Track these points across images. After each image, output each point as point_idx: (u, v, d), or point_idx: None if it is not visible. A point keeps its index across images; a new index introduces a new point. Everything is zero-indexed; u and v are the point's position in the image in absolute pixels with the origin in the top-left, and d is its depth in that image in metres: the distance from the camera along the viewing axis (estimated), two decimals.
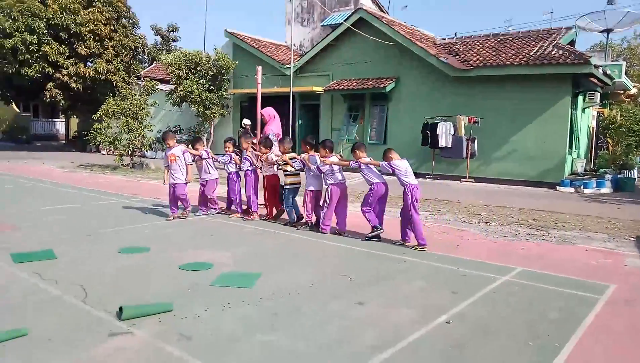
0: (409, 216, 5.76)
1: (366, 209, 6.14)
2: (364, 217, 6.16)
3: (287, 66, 18.02)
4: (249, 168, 7.49)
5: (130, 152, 14.35)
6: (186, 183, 7.23)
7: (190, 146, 7.70)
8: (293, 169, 6.95)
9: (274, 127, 8.47)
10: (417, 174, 14.80)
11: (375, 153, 16.11)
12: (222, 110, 19.65)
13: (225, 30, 20.46)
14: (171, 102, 19.55)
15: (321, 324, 3.46)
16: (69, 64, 22.45)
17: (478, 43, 15.56)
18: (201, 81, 18.79)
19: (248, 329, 3.33)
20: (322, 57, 17.96)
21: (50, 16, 21.21)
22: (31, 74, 21.82)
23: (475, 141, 13.86)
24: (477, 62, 14.01)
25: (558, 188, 12.55)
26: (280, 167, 7.14)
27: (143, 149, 13.59)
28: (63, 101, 23.70)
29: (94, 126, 14.42)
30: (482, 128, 13.74)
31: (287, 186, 6.93)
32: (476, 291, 4.19)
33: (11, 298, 3.80)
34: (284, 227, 6.84)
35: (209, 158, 7.53)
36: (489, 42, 15.33)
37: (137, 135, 13.72)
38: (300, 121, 18.96)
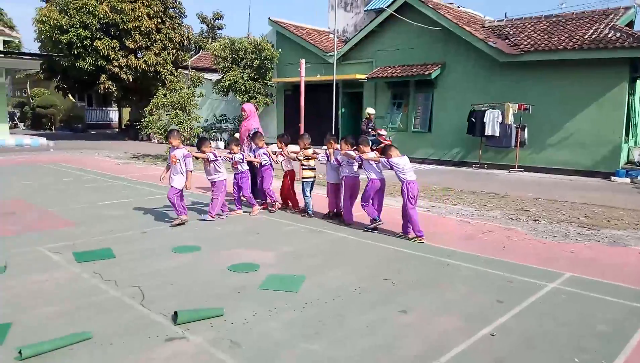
0: (406, 210, 6.12)
1: (364, 204, 6.53)
2: (364, 211, 6.59)
3: (330, 53, 17.96)
4: (268, 164, 7.68)
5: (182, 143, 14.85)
6: (181, 189, 6.74)
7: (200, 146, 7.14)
8: (314, 163, 7.56)
9: (255, 123, 8.55)
10: (463, 164, 14.72)
11: (420, 142, 15.96)
12: (267, 99, 19.88)
13: (269, 18, 20.56)
14: (217, 92, 19.95)
15: (365, 332, 3.55)
16: (119, 56, 23.29)
17: (529, 25, 14.94)
18: (246, 70, 19.05)
19: (294, 336, 3.46)
20: (365, 44, 17.77)
21: (102, 14, 22.05)
22: (85, 66, 22.82)
23: (525, 129, 13.44)
24: (528, 46, 13.49)
25: (613, 178, 12.02)
26: (302, 162, 7.59)
27: (191, 140, 14.03)
28: (115, 92, 24.67)
29: (146, 119, 14.99)
30: (532, 115, 13.29)
31: (304, 180, 7.52)
32: (522, 300, 4.15)
33: (76, 299, 4.09)
34: (328, 225, 6.94)
35: (217, 160, 7.07)
36: (541, 25, 14.68)
37: (186, 127, 14.15)
38: (343, 110, 18.94)
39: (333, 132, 13.50)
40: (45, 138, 22.40)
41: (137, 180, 11.22)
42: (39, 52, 25.91)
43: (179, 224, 6.69)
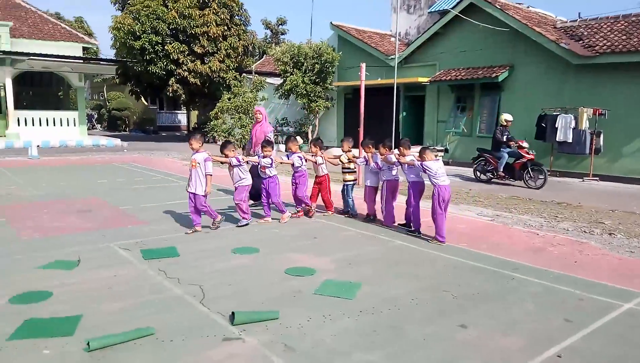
0: (434, 214, 6.17)
1: (408, 204, 6.80)
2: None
3: (392, 56, 17.78)
4: (302, 168, 7.52)
5: (242, 145, 15.28)
6: (205, 196, 6.52)
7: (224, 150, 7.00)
8: (354, 166, 7.70)
9: (267, 128, 8.45)
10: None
11: (485, 147, 15.38)
12: (327, 102, 20.00)
13: (331, 23, 20.70)
14: (278, 95, 20.31)
15: (421, 345, 3.44)
16: (188, 60, 24.33)
17: (605, 26, 14.02)
18: (307, 74, 19.26)
19: (347, 345, 3.42)
20: (428, 46, 17.44)
21: (171, 20, 23.16)
22: (156, 71, 24.03)
23: (601, 135, 12.62)
24: (604, 47, 12.67)
25: None
26: (344, 164, 7.65)
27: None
28: (184, 95, 25.79)
29: (211, 123, 15.54)
30: (608, 121, 12.46)
31: (347, 183, 7.72)
32: (593, 320, 3.87)
33: (142, 295, 4.28)
34: (386, 232, 6.84)
35: (240, 164, 6.87)
36: (618, 25, 13.73)
37: (248, 130, 14.53)
38: (404, 113, 18.68)
39: (393, 137, 13.31)
40: (119, 139, 23.80)
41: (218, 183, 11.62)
42: (114, 58, 27.60)
43: (193, 232, 6.49)
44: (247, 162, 7.15)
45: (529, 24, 14.22)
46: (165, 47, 23.71)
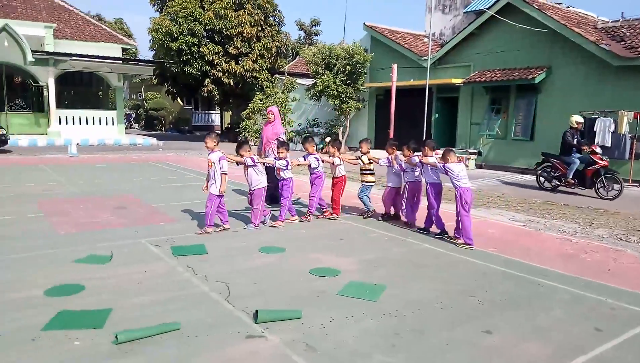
0: (459, 216, 6.15)
1: (429, 207, 6.80)
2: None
3: (425, 57, 17.60)
4: (319, 169, 7.39)
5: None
6: (219, 196, 6.44)
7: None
8: (373, 167, 7.67)
9: (280, 126, 8.38)
10: None
11: (520, 150, 15.03)
12: (358, 104, 19.96)
13: (364, 24, 20.65)
14: (310, 96, 20.40)
15: (444, 350, 3.41)
16: (222, 61, 24.75)
17: None
18: (339, 75, 19.27)
19: (369, 346, 3.42)
20: (463, 47, 17.17)
21: (207, 21, 23.61)
22: (192, 72, 24.55)
23: None
24: None
25: None
26: (366, 166, 7.61)
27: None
28: (218, 95, 26.25)
29: (243, 123, 15.75)
30: None
31: (366, 183, 7.68)
32: (624, 330, 3.74)
33: (170, 291, 4.39)
34: (413, 235, 6.79)
35: (255, 165, 6.76)
36: None
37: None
38: (436, 115, 18.45)
39: (424, 138, 13.19)
40: (155, 139, 24.41)
41: (234, 180, 11.79)
42: (152, 59, 28.34)
43: (205, 234, 6.42)
44: (263, 163, 7.06)
45: (568, 24, 13.81)
46: (201, 48, 24.19)
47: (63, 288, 4.36)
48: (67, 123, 22.74)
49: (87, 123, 23.28)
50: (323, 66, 19.55)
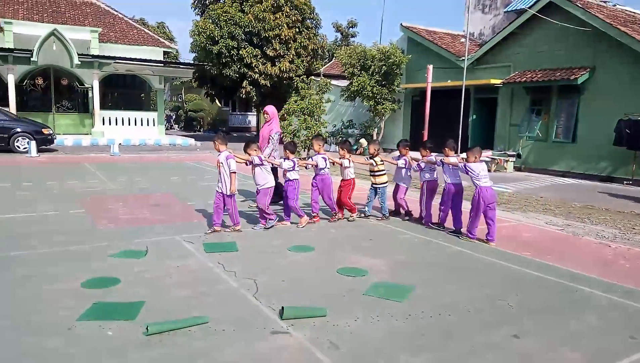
0: (470, 211, 6.42)
1: (442, 206, 7.00)
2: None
3: (463, 57, 17.30)
4: (325, 170, 7.19)
5: (307, 147, 15.52)
6: (230, 195, 6.42)
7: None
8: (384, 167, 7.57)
9: (277, 126, 8.22)
10: (611, 179, 13.11)
11: (561, 153, 14.54)
12: (393, 105, 19.81)
13: (401, 24, 20.51)
14: (344, 98, 20.40)
15: (471, 353, 3.35)
16: (260, 63, 25.11)
17: None
18: (374, 76, 19.20)
19: (394, 347, 3.40)
20: (503, 47, 16.79)
21: (246, 24, 24.01)
22: (230, 74, 25.01)
23: None
24: None
25: None
26: (377, 167, 7.49)
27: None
28: (255, 97, 26.63)
29: None
30: None
31: (381, 185, 7.53)
32: None
33: (200, 286, 4.50)
34: (445, 237, 6.69)
35: (262, 164, 6.70)
36: None
37: (313, 131, 14.74)
38: (474, 116, 18.11)
39: (460, 140, 12.94)
40: (193, 139, 24.99)
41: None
42: (192, 62, 29.03)
43: (212, 232, 6.44)
44: (272, 163, 6.96)
45: (614, 23, 13.28)
46: (240, 51, 24.63)
47: (99, 280, 4.53)
48: (110, 124, 23.58)
49: (129, 124, 24.06)
50: (359, 67, 19.52)
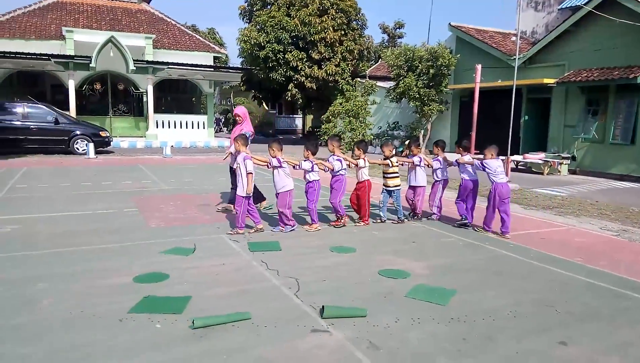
0: (487, 208, 6.77)
1: (456, 201, 7.33)
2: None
3: (515, 57, 16.79)
4: (341, 172, 7.00)
5: (352, 149, 15.52)
6: (247, 197, 6.38)
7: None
8: (397, 170, 7.44)
9: (248, 127, 8.05)
10: None
11: (619, 155, 13.87)
12: (440, 106, 19.49)
13: (449, 24, 20.19)
14: (390, 99, 20.26)
15: (514, 358, 3.27)
16: (305, 66, 25.38)
17: None
18: (421, 77, 18.96)
19: (434, 349, 3.38)
20: (556, 45, 16.19)
21: (293, 28, 24.34)
22: (277, 77, 25.42)
23: None
24: None
25: None
26: (390, 168, 7.36)
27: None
28: (301, 100, 26.94)
29: (323, 126, 16.04)
30: None
31: (394, 188, 7.37)
32: None
33: (244, 283, 4.63)
34: (490, 240, 6.54)
35: (281, 166, 6.53)
36: None
37: (358, 133, 14.73)
38: (526, 117, 17.54)
39: (511, 142, 12.55)
40: None
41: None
42: (240, 66, 29.70)
43: (237, 234, 6.43)
44: (295, 166, 6.81)
45: None
46: (286, 55, 25.00)
47: (150, 276, 4.75)
48: (163, 127, 24.48)
49: (180, 127, 24.90)
50: (405, 68, 19.34)
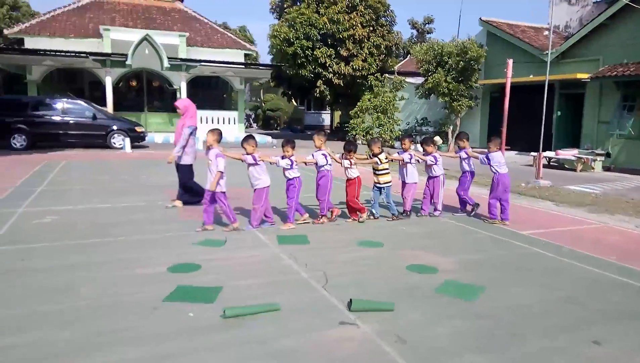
0: (498, 200, 7.08)
1: (462, 192, 7.67)
2: (464, 199, 7.70)
3: (547, 51, 16.42)
4: (326, 168, 6.86)
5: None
6: (221, 193, 6.31)
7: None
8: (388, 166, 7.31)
9: (191, 120, 7.79)
10: None
11: None
12: (470, 102, 19.22)
13: (480, 18, 19.88)
14: (419, 95, 20.09)
15: (543, 356, 3.26)
16: (333, 63, 25.40)
17: None
18: (450, 72, 18.74)
19: (461, 345, 3.39)
20: (591, 40, 15.77)
21: (322, 25, 24.39)
22: (306, 74, 25.53)
23: None
24: None
25: None
26: (380, 165, 7.18)
27: (390, 141, 14.55)
28: (329, 96, 26.99)
29: (351, 122, 16.06)
30: None
31: (384, 185, 7.23)
32: None
33: (273, 275, 4.73)
34: (519, 237, 6.46)
35: (256, 163, 6.39)
36: None
37: (386, 129, 14.69)
38: (559, 113, 17.13)
39: (543, 138, 12.30)
40: (270, 137, 25.77)
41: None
42: (270, 63, 29.95)
43: (234, 230, 6.36)
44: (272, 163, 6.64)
45: None
46: (315, 52, 25.08)
47: (183, 266, 4.91)
48: None
49: (212, 123, 25.30)
50: (434, 63, 19.14)
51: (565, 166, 15.27)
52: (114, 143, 18.15)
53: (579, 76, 15.50)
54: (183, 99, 8.28)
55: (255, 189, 6.49)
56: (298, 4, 27.53)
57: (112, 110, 21.52)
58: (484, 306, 4.08)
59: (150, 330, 3.51)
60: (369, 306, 3.98)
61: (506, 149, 10.70)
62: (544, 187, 11.00)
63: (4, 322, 3.59)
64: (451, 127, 19.98)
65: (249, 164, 6.41)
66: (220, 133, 6.63)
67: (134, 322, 3.63)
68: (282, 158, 6.61)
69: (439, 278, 4.74)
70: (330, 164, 6.95)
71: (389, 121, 14.98)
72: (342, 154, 7.13)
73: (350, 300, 4.00)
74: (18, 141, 17.01)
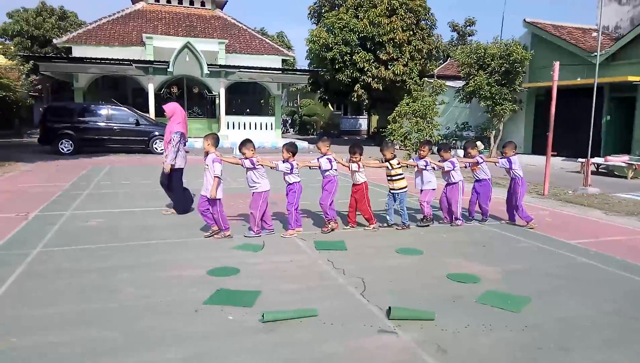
0: (516, 203, 7.18)
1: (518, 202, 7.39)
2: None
3: (596, 53, 15.79)
4: (331, 172, 6.71)
5: (417, 150, 15.28)
6: (212, 199, 6.11)
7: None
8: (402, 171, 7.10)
9: (178, 126, 7.54)
10: None
11: None
12: (514, 105, 18.71)
13: (524, 20, 19.34)
14: (460, 99, 19.72)
15: None
16: (372, 67, 25.31)
17: None
18: (493, 75, 18.31)
19: (505, 357, 3.27)
20: None
21: (361, 30, 24.36)
22: (343, 79, 25.54)
23: None
24: None
25: None
26: (392, 170, 6.97)
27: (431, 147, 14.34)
28: (367, 100, 26.90)
29: (389, 126, 15.92)
30: None
31: (401, 191, 6.98)
32: None
33: (310, 281, 4.71)
34: (567, 247, 6.20)
35: (253, 168, 6.25)
36: None
37: (425, 134, 14.48)
38: (608, 117, 16.43)
39: (591, 143, 11.80)
40: (306, 142, 25.90)
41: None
42: (307, 68, 30.15)
43: (210, 236, 6.27)
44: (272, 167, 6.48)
45: None
46: (353, 56, 25.07)
47: (222, 270, 4.96)
48: (233, 128, 25.37)
49: (249, 128, 25.69)
50: (476, 66, 18.74)
51: (615, 173, 14.61)
52: (156, 148, 18.66)
53: (630, 78, 14.83)
54: (170, 103, 8.07)
55: (252, 194, 6.35)
56: (337, 8, 27.60)
57: (154, 116, 22.15)
58: (530, 317, 3.92)
59: (192, 331, 3.55)
60: (408, 314, 3.90)
61: (552, 155, 10.32)
62: (593, 195, 10.55)
63: (52, 319, 3.73)
64: (493, 133, 19.49)
65: (247, 168, 6.31)
66: (216, 138, 6.48)
67: (176, 323, 3.68)
68: (283, 161, 6.50)
69: (482, 287, 4.60)
70: (335, 169, 6.83)
71: (428, 126, 14.75)
72: (349, 158, 6.95)
73: (390, 307, 3.93)
74: (65, 146, 17.75)
